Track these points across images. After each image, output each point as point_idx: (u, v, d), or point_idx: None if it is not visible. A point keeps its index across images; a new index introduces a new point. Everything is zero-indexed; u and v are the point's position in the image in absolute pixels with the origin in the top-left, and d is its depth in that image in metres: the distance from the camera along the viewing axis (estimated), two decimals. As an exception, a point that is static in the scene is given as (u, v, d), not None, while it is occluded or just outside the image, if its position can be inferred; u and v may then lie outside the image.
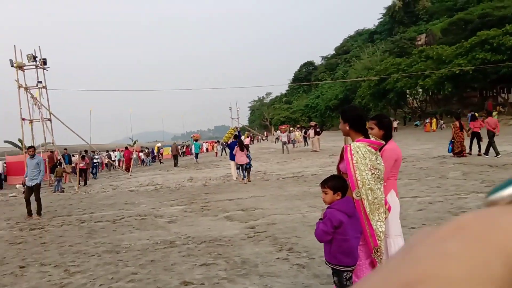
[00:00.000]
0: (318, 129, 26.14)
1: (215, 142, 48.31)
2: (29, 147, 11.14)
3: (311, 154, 23.59)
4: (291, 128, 38.39)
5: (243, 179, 14.09)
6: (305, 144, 32.65)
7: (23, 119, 21.64)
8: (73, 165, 20.43)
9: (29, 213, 10.23)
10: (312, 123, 30.53)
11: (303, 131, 34.07)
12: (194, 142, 34.19)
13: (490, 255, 0.26)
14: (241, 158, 14.02)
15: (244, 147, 14.27)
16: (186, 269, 5.22)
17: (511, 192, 0.29)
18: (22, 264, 6.01)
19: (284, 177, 14.14)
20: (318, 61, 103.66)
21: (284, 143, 27.43)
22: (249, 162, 14.17)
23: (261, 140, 63.71)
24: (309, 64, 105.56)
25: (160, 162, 35.46)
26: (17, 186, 17.41)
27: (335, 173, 3.52)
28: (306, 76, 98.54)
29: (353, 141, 3.34)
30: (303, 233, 6.45)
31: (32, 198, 10.34)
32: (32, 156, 10.59)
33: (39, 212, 10.35)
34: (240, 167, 14.20)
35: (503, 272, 0.25)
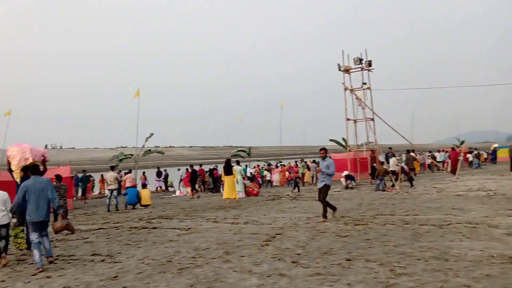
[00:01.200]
0: None
1: None
2: (321, 149, 10.87)
3: None
4: None
5: None
6: None
7: (348, 119, 23.66)
8: (397, 164, 20.47)
9: (324, 216, 10.12)
10: None
11: None
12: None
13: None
14: None
15: None
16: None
17: None
18: (348, 257, 6.17)
19: None
20: None
21: None
22: None
23: None
24: None
25: (469, 166, 30.05)
26: (341, 180, 19.15)
27: None
28: None
29: None
30: None
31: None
32: (324, 158, 10.56)
33: (324, 215, 10.14)
34: None
35: None
